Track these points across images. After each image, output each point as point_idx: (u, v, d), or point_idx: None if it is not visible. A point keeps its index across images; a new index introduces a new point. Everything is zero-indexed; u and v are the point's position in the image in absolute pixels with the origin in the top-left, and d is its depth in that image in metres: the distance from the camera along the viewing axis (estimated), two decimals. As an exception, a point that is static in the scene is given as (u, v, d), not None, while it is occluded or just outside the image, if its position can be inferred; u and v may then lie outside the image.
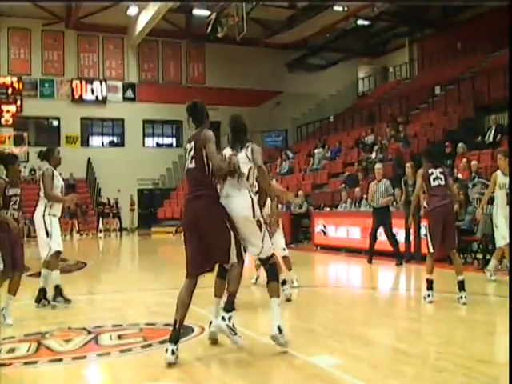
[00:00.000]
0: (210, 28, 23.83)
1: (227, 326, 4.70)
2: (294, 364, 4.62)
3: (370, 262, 11.64)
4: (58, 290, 7.48)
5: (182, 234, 4.98)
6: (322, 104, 31.78)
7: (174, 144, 32.46)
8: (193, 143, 4.90)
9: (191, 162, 4.88)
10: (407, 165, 11.96)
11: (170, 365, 4.54)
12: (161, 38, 31.12)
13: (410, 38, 30.58)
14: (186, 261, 4.84)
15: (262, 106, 32.22)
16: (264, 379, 4.36)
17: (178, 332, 4.68)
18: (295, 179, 22.83)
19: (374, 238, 11.70)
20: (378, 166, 12.26)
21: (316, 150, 23.66)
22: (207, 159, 4.80)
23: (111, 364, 4.83)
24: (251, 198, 4.97)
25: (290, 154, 26.22)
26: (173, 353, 4.56)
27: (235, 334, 4.73)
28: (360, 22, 27.51)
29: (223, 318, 4.71)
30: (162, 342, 5.23)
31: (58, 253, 7.50)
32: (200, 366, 4.64)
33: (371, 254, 11.73)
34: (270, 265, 5.09)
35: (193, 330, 5.64)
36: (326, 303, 7.68)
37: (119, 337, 5.61)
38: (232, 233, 4.82)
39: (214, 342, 5.16)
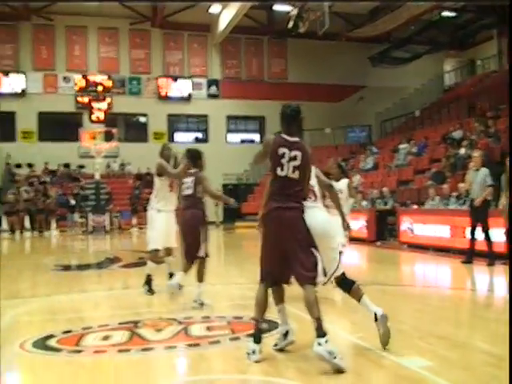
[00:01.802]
0: (291, 23, 23.79)
1: (327, 351, 4.39)
2: (382, 364, 4.56)
3: (465, 262, 11.00)
4: (148, 280, 7.90)
5: (264, 237, 4.89)
6: (406, 98, 31.06)
7: (257, 140, 32.71)
8: (299, 154, 4.69)
9: (293, 172, 4.69)
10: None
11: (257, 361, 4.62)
12: (243, 35, 31.43)
13: (498, 29, 29.25)
14: (264, 266, 4.86)
15: (345, 100, 31.90)
16: (351, 378, 4.33)
17: (260, 331, 4.77)
18: (380, 175, 22.45)
19: (472, 236, 10.99)
20: (476, 153, 11.61)
21: (401, 146, 23.14)
22: (309, 176, 4.82)
23: (201, 355, 4.95)
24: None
25: (374, 150, 25.80)
26: (260, 352, 4.65)
27: (335, 357, 4.38)
28: (445, 13, 26.64)
29: (319, 344, 4.42)
30: (249, 336, 5.31)
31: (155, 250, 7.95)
32: (286, 361, 4.67)
33: (469, 253, 11.05)
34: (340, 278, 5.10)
35: (279, 325, 5.67)
36: (415, 303, 7.51)
37: (208, 328, 5.74)
38: (316, 251, 4.71)
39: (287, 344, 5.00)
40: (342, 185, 8.79)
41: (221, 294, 8.14)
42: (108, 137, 26.86)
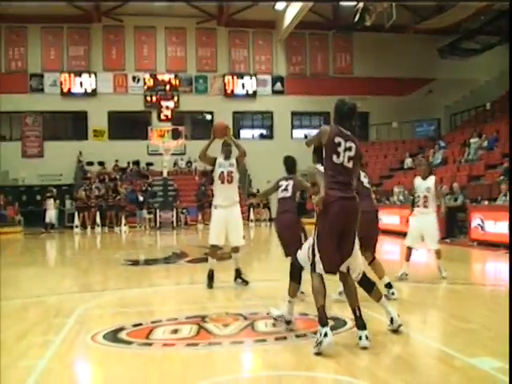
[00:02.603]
0: (357, 17, 23.40)
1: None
2: (453, 365, 4.44)
3: None
4: (209, 275, 8.03)
5: (325, 227, 4.92)
6: (477, 91, 30.02)
7: (322, 135, 32.46)
8: (353, 146, 4.92)
9: (349, 162, 4.90)
10: None
11: (319, 354, 4.62)
12: (308, 30, 31.18)
13: None
14: (327, 256, 4.89)
15: (413, 94, 31.15)
16: (420, 378, 4.23)
17: (326, 315, 4.86)
18: (449, 171, 21.82)
19: None
20: None
21: (471, 140, 22.40)
22: (358, 171, 5.25)
23: (267, 351, 4.96)
24: None
25: (443, 144, 25.11)
26: (331, 334, 4.73)
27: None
28: (517, 1, 25.53)
29: (367, 338, 4.83)
30: (315, 333, 5.28)
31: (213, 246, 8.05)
32: (354, 359, 4.62)
33: None
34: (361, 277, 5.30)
35: (346, 323, 5.63)
36: (485, 302, 7.27)
37: (274, 324, 5.74)
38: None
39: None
40: (430, 182, 8.64)
41: (285, 289, 8.11)
42: (175, 135, 27.34)
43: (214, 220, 8.13)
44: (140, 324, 5.88)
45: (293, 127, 31.82)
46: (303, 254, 5.25)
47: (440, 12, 26.97)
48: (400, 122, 29.36)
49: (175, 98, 30.03)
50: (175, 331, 5.58)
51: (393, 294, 6.79)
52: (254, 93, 30.98)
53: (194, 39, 30.82)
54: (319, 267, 4.91)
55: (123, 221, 24.74)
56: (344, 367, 4.40)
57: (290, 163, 7.40)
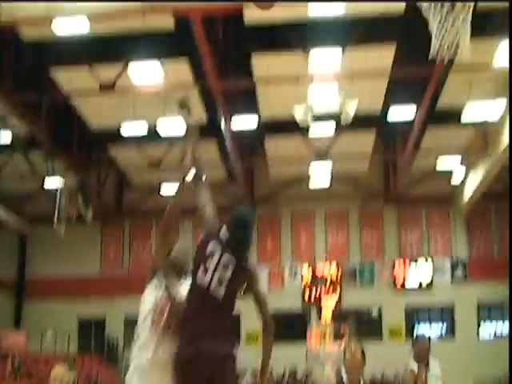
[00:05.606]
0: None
1: None
2: None
3: None
4: None
5: None
6: None
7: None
8: (234, 263, 4.57)
9: (220, 286, 4.56)
10: None
11: None
12: (493, 203, 31.86)
13: None
14: None
15: None
16: None
17: None
18: None
19: None
20: None
21: None
22: None
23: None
24: None
25: None
26: None
27: None
28: None
29: None
30: None
31: None
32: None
33: None
34: None
35: None
36: None
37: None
38: None
39: None
40: None
41: None
42: (337, 335, 28.54)
43: None
44: None
45: (479, 324, 31.76)
46: None
47: None
48: None
49: (337, 293, 31.82)
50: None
51: None
52: (431, 282, 31.85)
53: (357, 222, 33.03)
54: None
55: None
56: None
57: None
